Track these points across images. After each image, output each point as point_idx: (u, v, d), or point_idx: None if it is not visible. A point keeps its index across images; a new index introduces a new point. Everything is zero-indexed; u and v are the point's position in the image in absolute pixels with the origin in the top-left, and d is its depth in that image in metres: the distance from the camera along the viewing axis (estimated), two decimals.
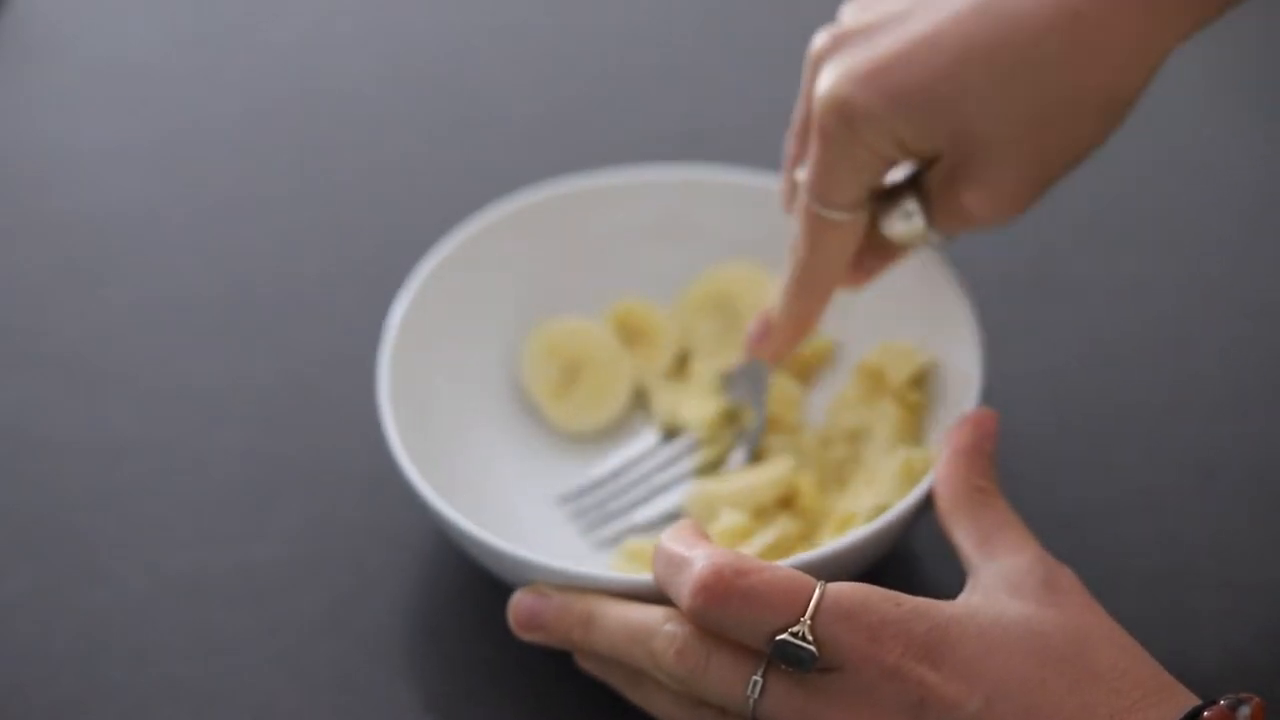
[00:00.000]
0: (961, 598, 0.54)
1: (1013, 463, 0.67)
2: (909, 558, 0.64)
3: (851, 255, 0.62)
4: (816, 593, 0.52)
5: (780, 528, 0.63)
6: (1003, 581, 0.54)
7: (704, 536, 0.55)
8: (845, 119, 0.57)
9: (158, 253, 0.78)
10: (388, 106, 0.86)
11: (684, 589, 0.53)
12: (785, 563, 0.56)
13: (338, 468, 0.69)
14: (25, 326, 0.75)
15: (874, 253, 0.64)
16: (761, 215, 0.70)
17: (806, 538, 0.64)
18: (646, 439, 0.69)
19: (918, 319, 0.67)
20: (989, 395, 0.63)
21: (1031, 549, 0.55)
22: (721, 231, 0.72)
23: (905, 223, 0.61)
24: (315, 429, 0.70)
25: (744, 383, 0.68)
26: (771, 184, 0.71)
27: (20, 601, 0.64)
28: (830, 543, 0.58)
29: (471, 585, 0.64)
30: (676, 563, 0.54)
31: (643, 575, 0.57)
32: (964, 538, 0.56)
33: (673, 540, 0.55)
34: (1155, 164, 0.76)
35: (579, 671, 0.61)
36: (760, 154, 0.78)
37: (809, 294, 0.63)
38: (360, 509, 0.67)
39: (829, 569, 0.55)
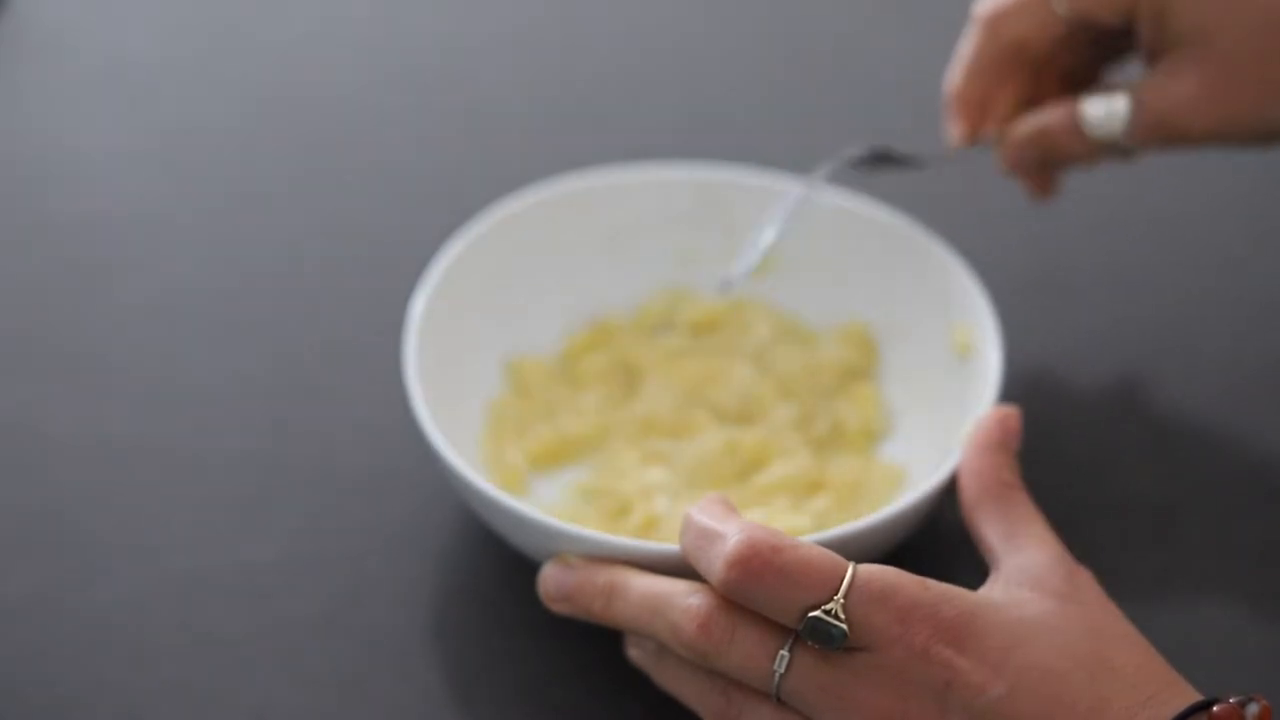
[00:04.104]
0: (985, 588, 0.54)
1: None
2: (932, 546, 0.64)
3: (1022, 40, 0.66)
4: (849, 572, 0.52)
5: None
6: (1026, 576, 0.54)
7: (733, 511, 0.56)
8: None
9: (158, 253, 0.78)
10: (388, 105, 0.87)
11: (717, 562, 0.53)
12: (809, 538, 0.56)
13: (338, 468, 0.69)
14: (26, 326, 0.75)
15: (1063, 154, 0.66)
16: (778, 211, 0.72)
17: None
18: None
19: (938, 316, 0.68)
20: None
21: (1054, 546, 0.56)
22: (737, 227, 0.73)
23: (1106, 106, 0.63)
24: (316, 428, 0.70)
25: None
26: (781, 183, 0.72)
27: (20, 601, 0.64)
28: (849, 524, 0.59)
29: (472, 585, 0.64)
30: (709, 535, 0.54)
31: (669, 545, 0.57)
32: (989, 531, 0.57)
33: (703, 514, 0.55)
34: (1164, 162, 0.76)
35: (580, 671, 0.61)
36: (762, 153, 0.78)
37: (979, 66, 0.67)
38: (360, 509, 0.67)
39: (847, 549, 0.55)
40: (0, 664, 0.62)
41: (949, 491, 0.61)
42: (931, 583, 0.53)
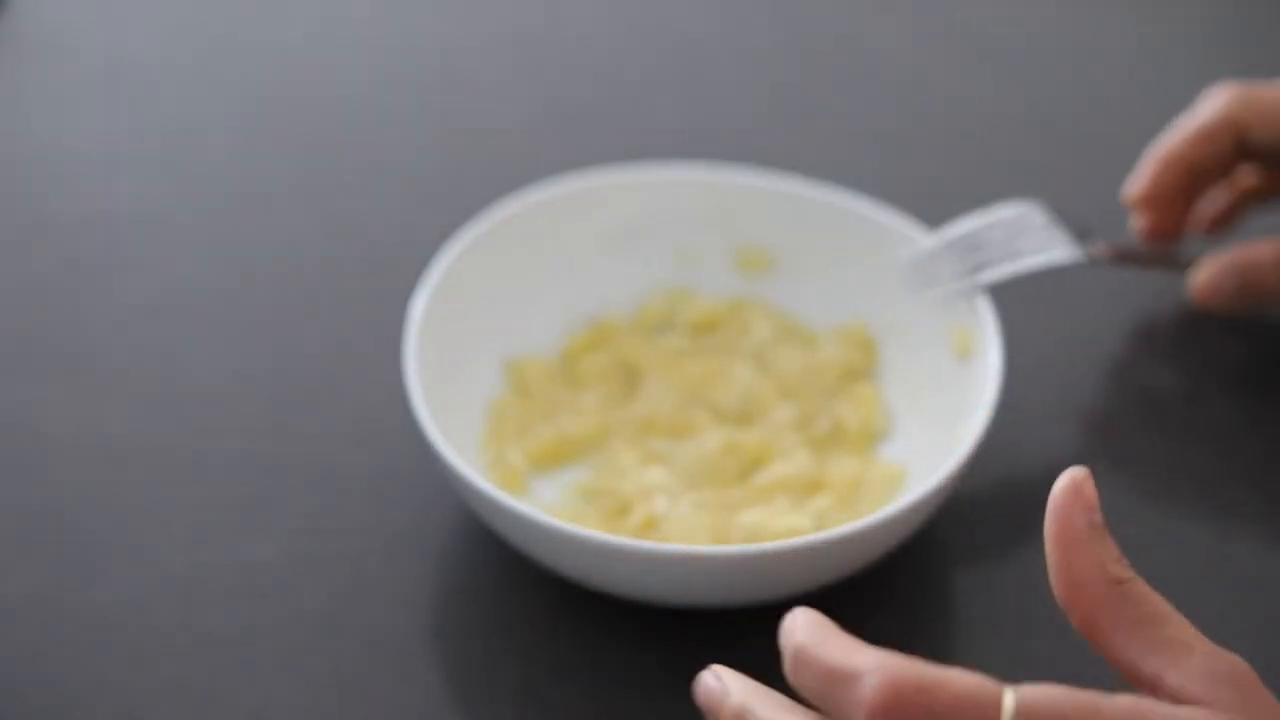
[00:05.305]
0: (1150, 703, 0.46)
1: (1016, 467, 0.67)
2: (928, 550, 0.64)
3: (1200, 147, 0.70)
4: (1009, 701, 0.44)
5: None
6: (1191, 689, 0.47)
7: (844, 633, 0.47)
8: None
9: (157, 253, 0.78)
10: (388, 105, 0.87)
11: (857, 712, 0.45)
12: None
13: (338, 468, 0.69)
14: (25, 326, 0.75)
15: (1263, 287, 0.69)
16: (778, 214, 0.72)
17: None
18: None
19: (938, 316, 0.69)
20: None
21: (1204, 643, 0.48)
22: (738, 227, 0.73)
23: None
24: (316, 428, 0.70)
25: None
26: (783, 185, 0.72)
27: (20, 601, 0.64)
28: (850, 524, 0.58)
29: (472, 585, 0.64)
30: (839, 677, 0.46)
31: (669, 545, 0.58)
32: (1127, 649, 0.48)
33: (820, 646, 0.47)
34: None
35: (580, 671, 0.61)
36: (763, 153, 0.78)
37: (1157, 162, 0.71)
38: (360, 509, 0.67)
39: (847, 549, 0.55)
40: (0, 664, 0.62)
41: (949, 491, 0.61)
42: (1104, 700, 0.45)
